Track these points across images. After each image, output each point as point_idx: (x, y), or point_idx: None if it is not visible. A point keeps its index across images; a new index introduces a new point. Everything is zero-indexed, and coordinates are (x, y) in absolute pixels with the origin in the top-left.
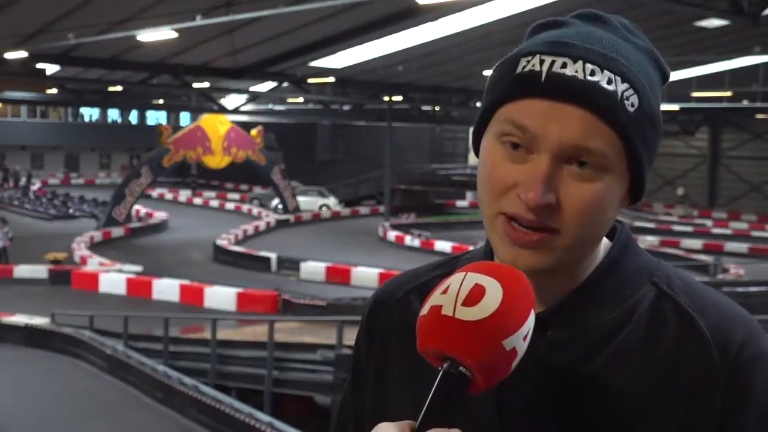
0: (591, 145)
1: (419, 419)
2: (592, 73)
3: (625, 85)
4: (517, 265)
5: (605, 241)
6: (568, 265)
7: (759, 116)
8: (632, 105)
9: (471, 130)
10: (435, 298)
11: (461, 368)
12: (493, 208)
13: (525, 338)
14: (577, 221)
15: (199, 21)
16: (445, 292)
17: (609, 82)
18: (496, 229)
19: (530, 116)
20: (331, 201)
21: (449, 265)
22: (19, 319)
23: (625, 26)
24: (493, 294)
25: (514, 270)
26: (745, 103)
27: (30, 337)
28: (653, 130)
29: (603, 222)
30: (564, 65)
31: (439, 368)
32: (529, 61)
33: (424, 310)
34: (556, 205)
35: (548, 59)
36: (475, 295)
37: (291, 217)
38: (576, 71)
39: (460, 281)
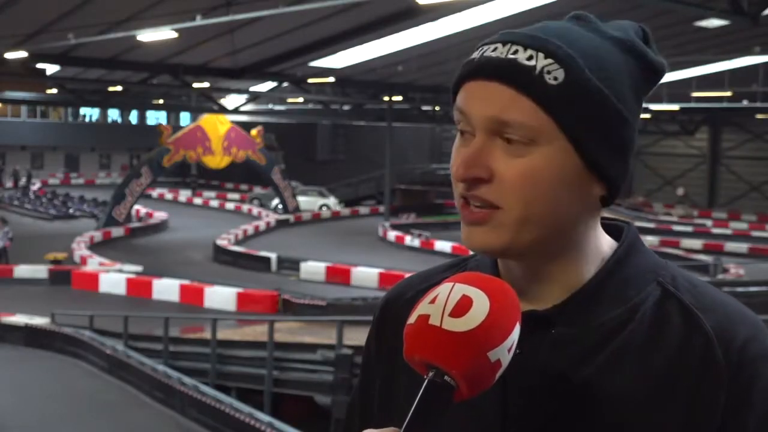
0: (510, 118)
1: (403, 426)
2: (515, 52)
3: (548, 60)
4: (472, 245)
5: (612, 241)
6: (543, 252)
7: (759, 116)
8: (555, 78)
9: None
10: (423, 307)
11: (446, 377)
12: (456, 195)
13: (510, 350)
14: (516, 196)
15: (199, 21)
16: (433, 301)
17: (529, 58)
18: (460, 213)
19: (464, 98)
20: (331, 201)
21: (461, 266)
22: (19, 319)
23: (604, 22)
24: (480, 306)
25: (501, 282)
26: (745, 103)
27: (30, 337)
28: (590, 106)
29: (552, 198)
30: (494, 50)
31: (425, 376)
32: (473, 56)
33: (412, 319)
34: (493, 180)
35: (484, 47)
36: (463, 306)
37: (291, 217)
38: (501, 53)
39: (448, 291)
